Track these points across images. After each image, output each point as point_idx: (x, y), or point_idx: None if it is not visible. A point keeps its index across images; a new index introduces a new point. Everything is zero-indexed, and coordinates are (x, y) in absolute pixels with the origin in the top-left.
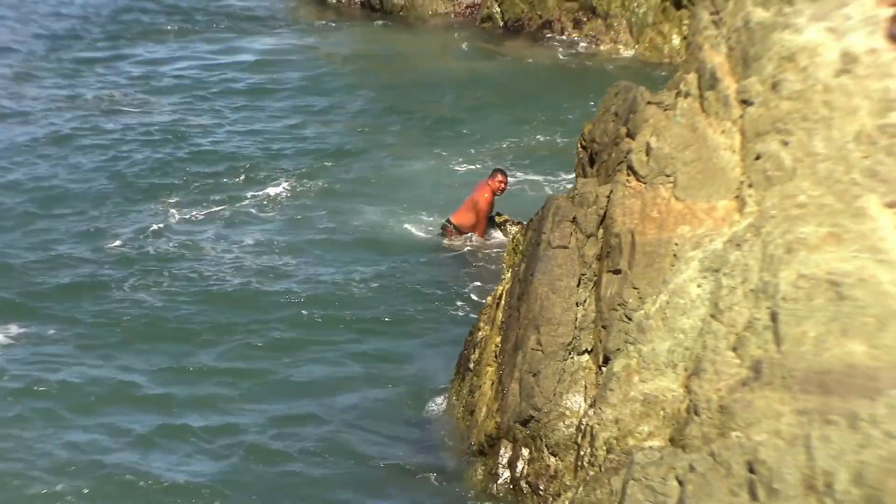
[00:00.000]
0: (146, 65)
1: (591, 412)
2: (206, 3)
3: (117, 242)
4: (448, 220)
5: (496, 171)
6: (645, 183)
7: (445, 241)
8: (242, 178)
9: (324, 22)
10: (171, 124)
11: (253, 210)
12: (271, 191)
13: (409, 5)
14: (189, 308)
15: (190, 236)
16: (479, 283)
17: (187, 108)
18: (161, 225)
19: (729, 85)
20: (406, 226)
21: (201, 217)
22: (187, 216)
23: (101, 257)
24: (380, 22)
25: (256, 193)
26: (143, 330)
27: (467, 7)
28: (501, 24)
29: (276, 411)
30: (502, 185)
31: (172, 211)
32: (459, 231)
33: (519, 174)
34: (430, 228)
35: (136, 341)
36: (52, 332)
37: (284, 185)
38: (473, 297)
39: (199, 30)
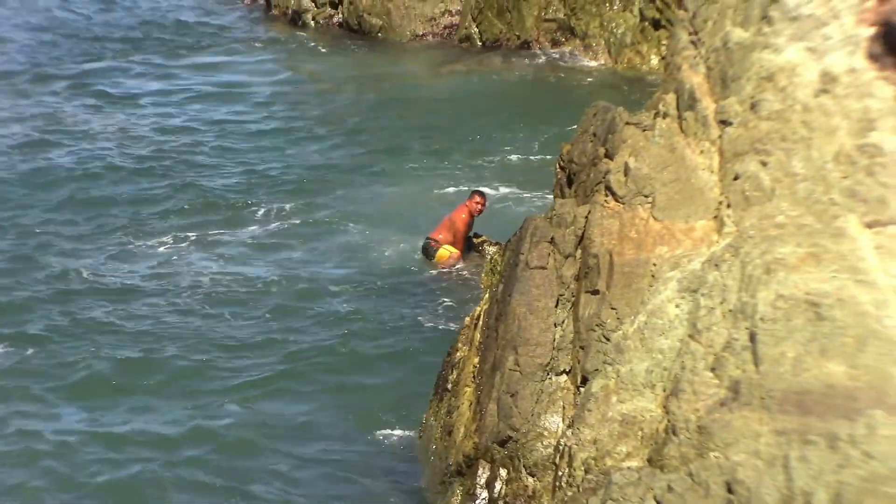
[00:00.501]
0: (121, 85)
1: (569, 432)
2: (183, 24)
3: (95, 269)
4: (429, 238)
5: (474, 192)
6: (623, 203)
7: (434, 261)
8: (219, 201)
9: (302, 43)
10: (146, 146)
11: (230, 233)
12: (249, 214)
13: (387, 26)
14: (162, 335)
15: (165, 260)
16: (456, 304)
17: (162, 130)
18: (138, 251)
19: (707, 105)
20: (383, 246)
21: (178, 242)
22: (162, 240)
23: (76, 282)
24: (358, 43)
25: (234, 217)
26: (119, 360)
27: (445, 27)
28: (480, 44)
29: (252, 431)
30: (479, 206)
31: (148, 236)
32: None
33: (498, 193)
34: (408, 248)
35: (111, 370)
36: (30, 351)
37: (261, 208)
38: (451, 317)
39: (177, 51)
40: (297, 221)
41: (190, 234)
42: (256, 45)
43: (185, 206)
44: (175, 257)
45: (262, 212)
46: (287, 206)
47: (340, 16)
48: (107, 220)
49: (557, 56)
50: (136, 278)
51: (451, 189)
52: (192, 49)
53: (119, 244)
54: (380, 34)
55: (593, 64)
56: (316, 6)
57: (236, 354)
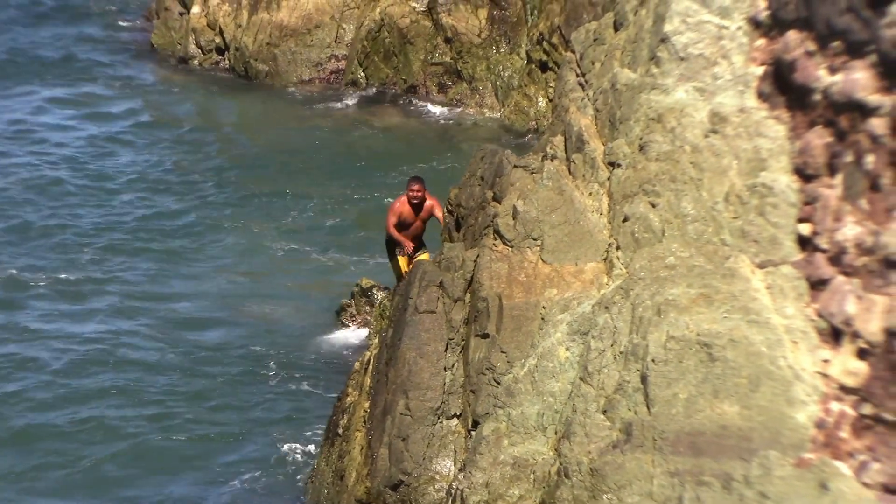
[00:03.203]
0: None
1: (460, 476)
2: (68, 62)
3: None
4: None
5: (411, 179)
6: (512, 247)
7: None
8: (73, 251)
9: (185, 89)
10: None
11: (89, 282)
12: (104, 263)
13: (273, 72)
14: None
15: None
16: (344, 350)
17: (18, 172)
18: None
19: (596, 147)
20: (250, 299)
21: (24, 295)
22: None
23: None
24: (243, 89)
25: (89, 265)
26: None
27: (332, 73)
28: (366, 88)
29: (142, 489)
30: (413, 193)
31: None
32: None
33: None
34: (272, 301)
35: None
36: None
37: (116, 259)
38: (340, 363)
39: (51, 88)
40: (151, 273)
41: (30, 286)
42: (137, 89)
43: (29, 255)
44: (24, 309)
45: (117, 261)
46: (140, 256)
47: (227, 62)
48: None
49: (443, 100)
50: None
51: (319, 239)
52: (67, 88)
53: None
54: (266, 79)
55: (480, 108)
56: (203, 52)
57: (111, 404)
